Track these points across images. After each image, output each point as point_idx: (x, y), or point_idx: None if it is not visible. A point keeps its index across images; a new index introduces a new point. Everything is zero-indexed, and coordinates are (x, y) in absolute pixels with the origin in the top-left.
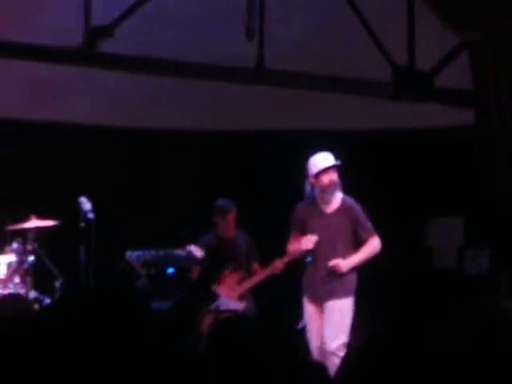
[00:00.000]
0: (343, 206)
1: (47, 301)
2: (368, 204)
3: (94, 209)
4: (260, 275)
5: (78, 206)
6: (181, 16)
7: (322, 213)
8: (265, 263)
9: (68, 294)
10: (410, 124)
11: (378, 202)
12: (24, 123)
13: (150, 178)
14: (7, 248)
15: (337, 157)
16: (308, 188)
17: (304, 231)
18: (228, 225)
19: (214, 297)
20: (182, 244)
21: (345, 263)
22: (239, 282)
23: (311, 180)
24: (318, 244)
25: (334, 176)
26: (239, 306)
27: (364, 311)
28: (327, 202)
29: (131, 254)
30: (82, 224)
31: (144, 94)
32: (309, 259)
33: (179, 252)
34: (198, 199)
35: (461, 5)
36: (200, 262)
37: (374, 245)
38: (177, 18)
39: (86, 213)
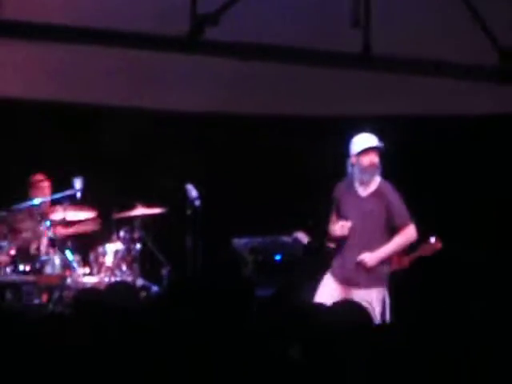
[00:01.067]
0: (379, 190)
1: (154, 288)
2: (470, 189)
3: (201, 196)
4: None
5: (184, 194)
6: (286, 1)
7: (356, 195)
8: None
9: (175, 283)
10: None
11: (479, 188)
12: (130, 111)
13: (256, 165)
14: (114, 236)
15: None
16: (349, 167)
17: (338, 211)
18: None
19: None
20: (289, 231)
21: (372, 257)
22: None
23: (352, 159)
24: (351, 228)
25: (374, 158)
26: None
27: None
28: (364, 185)
29: (238, 241)
30: (189, 211)
31: (246, 80)
32: (342, 245)
33: (286, 239)
34: (305, 186)
35: None
36: (306, 248)
37: (408, 233)
38: (281, 3)
39: (192, 200)
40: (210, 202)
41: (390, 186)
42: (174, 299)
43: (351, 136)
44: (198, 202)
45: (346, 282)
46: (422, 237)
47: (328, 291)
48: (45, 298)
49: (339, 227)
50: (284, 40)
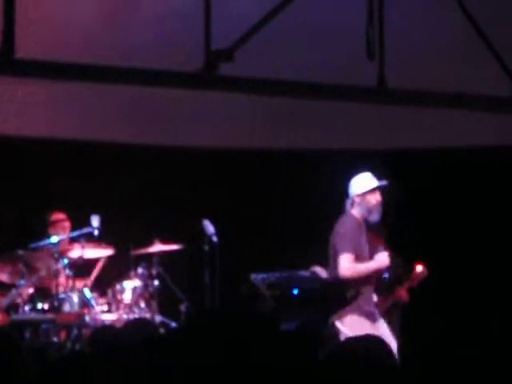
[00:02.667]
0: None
1: (173, 325)
2: (489, 220)
3: (218, 232)
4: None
5: (201, 230)
6: (301, 36)
7: (366, 233)
8: None
9: (193, 317)
10: None
11: (490, 217)
12: (146, 148)
13: (272, 200)
14: (132, 273)
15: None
16: (348, 206)
17: (359, 250)
18: None
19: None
20: (306, 266)
21: None
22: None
23: (355, 199)
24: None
25: (379, 198)
26: None
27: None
28: (370, 222)
29: (256, 277)
30: (206, 247)
31: (262, 115)
32: (386, 275)
33: (303, 273)
34: (318, 221)
35: None
36: (324, 282)
37: None
38: (297, 38)
39: (209, 236)
40: (227, 238)
41: None
42: (192, 334)
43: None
44: (215, 238)
45: (375, 318)
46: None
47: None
48: (63, 336)
49: (382, 258)
50: (298, 75)
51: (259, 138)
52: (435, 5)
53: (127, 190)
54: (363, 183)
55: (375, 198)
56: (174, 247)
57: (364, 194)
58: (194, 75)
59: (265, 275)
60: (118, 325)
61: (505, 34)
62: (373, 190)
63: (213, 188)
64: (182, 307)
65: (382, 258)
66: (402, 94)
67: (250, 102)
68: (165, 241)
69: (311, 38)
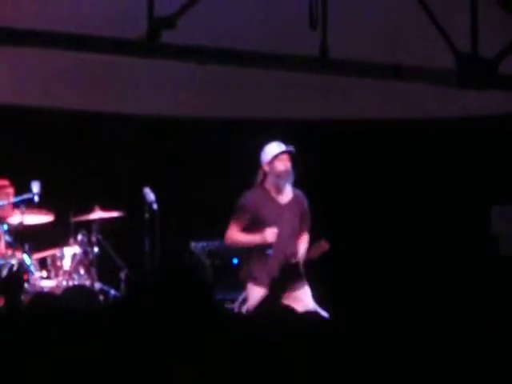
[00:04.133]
0: (296, 198)
1: (112, 292)
2: (432, 193)
3: (158, 199)
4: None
5: (142, 197)
6: (244, 5)
7: (275, 203)
8: None
9: (133, 288)
10: (473, 111)
11: (441, 191)
12: (87, 115)
13: (214, 169)
14: (72, 240)
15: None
16: (260, 176)
17: (254, 222)
18: None
19: None
20: None
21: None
22: None
23: (265, 167)
24: (280, 235)
25: (288, 163)
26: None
27: (431, 299)
28: (281, 192)
29: (196, 245)
30: (147, 215)
31: (206, 84)
32: (270, 252)
33: None
34: None
35: None
36: None
37: (307, 241)
38: (240, 6)
39: (150, 204)
40: (168, 206)
41: (302, 194)
42: (132, 304)
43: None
44: (155, 206)
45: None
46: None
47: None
48: (1, 301)
49: (268, 233)
50: (242, 43)
51: (201, 106)
52: None
53: (68, 157)
54: (270, 150)
55: (283, 164)
56: (114, 214)
57: (272, 161)
58: (137, 43)
59: (205, 243)
60: (58, 291)
61: (448, 7)
62: (279, 156)
63: (154, 156)
64: (122, 274)
65: (267, 234)
66: (344, 64)
67: (192, 70)
68: (105, 208)
69: (254, 7)
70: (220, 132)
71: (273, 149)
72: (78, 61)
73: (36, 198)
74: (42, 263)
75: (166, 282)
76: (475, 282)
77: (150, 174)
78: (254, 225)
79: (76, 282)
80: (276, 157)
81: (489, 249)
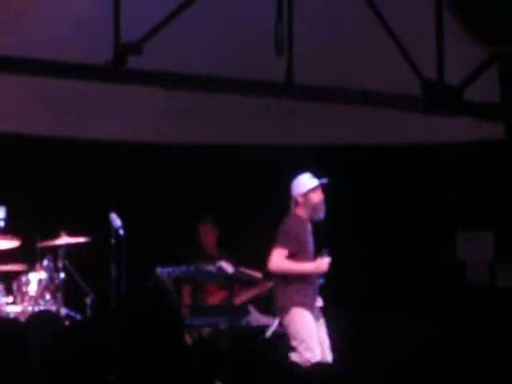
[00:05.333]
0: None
1: (78, 317)
2: (398, 218)
3: (125, 225)
4: (253, 291)
5: (108, 223)
6: (210, 31)
7: (309, 231)
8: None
9: (99, 311)
10: (439, 138)
11: (407, 217)
12: (54, 141)
13: (180, 195)
14: (38, 265)
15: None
16: (292, 207)
17: (298, 249)
18: (211, 239)
19: (245, 312)
20: (212, 260)
21: None
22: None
23: (299, 199)
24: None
25: (322, 196)
26: (270, 321)
27: (399, 325)
28: (316, 220)
29: (162, 271)
30: (113, 240)
31: (174, 110)
32: (322, 281)
33: (210, 268)
34: (228, 216)
35: (490, 18)
36: (231, 277)
37: None
38: (206, 33)
39: (116, 229)
40: (134, 232)
41: None
42: (98, 327)
43: (281, 165)
44: (121, 232)
45: (316, 314)
46: None
47: (313, 331)
48: None
49: (320, 263)
50: (208, 69)
51: (167, 131)
52: (345, 2)
53: (34, 182)
54: (304, 183)
55: (318, 196)
56: (81, 240)
57: (307, 193)
58: (103, 68)
59: (171, 269)
60: (23, 317)
61: (415, 33)
62: (315, 189)
63: (120, 181)
64: (88, 300)
65: (321, 264)
66: (309, 89)
67: (159, 96)
68: (71, 233)
69: (220, 33)
70: (186, 157)
71: (307, 181)
72: (43, 86)
73: (1, 224)
74: (8, 288)
75: (132, 307)
76: (442, 305)
77: (116, 199)
78: (298, 252)
79: (42, 308)
80: (311, 190)
81: (455, 274)
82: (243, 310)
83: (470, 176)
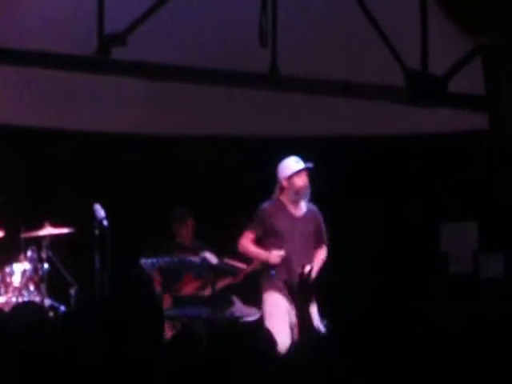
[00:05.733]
0: (310, 211)
1: (62, 308)
2: (382, 208)
3: (108, 216)
4: (228, 280)
5: (92, 214)
6: (194, 22)
7: (291, 216)
8: None
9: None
10: (423, 129)
11: (391, 208)
12: (37, 131)
13: (164, 185)
14: (22, 256)
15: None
16: (277, 190)
17: (269, 232)
18: (187, 232)
19: (229, 303)
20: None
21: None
22: (200, 287)
23: (283, 182)
24: (289, 246)
25: (306, 179)
26: (254, 312)
27: (381, 316)
28: (297, 206)
29: (146, 261)
30: (97, 231)
31: (157, 101)
32: (273, 272)
33: (194, 259)
34: (211, 206)
35: (474, 9)
36: (215, 267)
37: (325, 253)
38: (190, 24)
39: (100, 220)
40: (118, 222)
41: (316, 208)
42: (82, 322)
43: (262, 155)
44: (105, 222)
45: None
46: None
47: (284, 313)
48: None
49: (273, 256)
50: (191, 60)
51: (151, 122)
52: None
53: (18, 172)
54: (289, 166)
55: (302, 180)
56: (65, 230)
57: (291, 177)
58: (87, 58)
59: (154, 259)
60: (7, 308)
61: (398, 23)
62: (299, 173)
63: (104, 172)
64: (72, 291)
65: (273, 255)
66: (294, 81)
67: (142, 87)
68: (55, 224)
69: (204, 24)
70: (169, 148)
71: (292, 165)
72: (28, 76)
73: None
74: None
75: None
76: (425, 297)
77: (100, 190)
78: (268, 235)
79: (26, 299)
80: (295, 173)
81: (438, 265)
82: (227, 301)
83: (454, 166)
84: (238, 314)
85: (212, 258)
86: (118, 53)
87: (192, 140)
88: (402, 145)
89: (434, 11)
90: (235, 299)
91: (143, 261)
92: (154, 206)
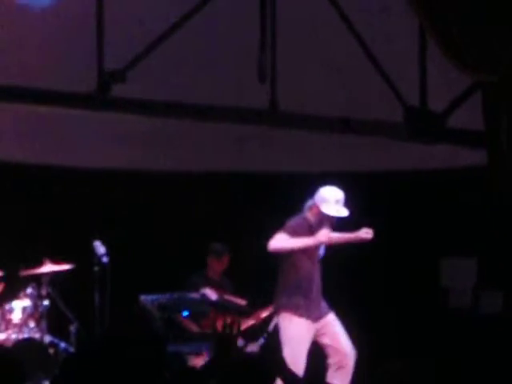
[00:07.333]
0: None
1: (62, 345)
2: (382, 244)
3: (108, 253)
4: (251, 320)
5: (92, 250)
6: (194, 58)
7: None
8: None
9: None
10: (422, 165)
11: (391, 243)
12: (38, 168)
13: (164, 222)
14: (22, 293)
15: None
16: (307, 209)
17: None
18: (221, 267)
19: None
20: (187, 285)
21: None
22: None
23: (315, 209)
24: (313, 265)
25: (334, 222)
26: (253, 348)
27: (381, 349)
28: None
29: (145, 298)
30: (97, 268)
31: (157, 137)
32: (322, 253)
33: (193, 295)
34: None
35: (473, 46)
36: (215, 304)
37: None
38: (190, 60)
39: (100, 257)
40: (118, 259)
41: None
42: (84, 359)
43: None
44: (105, 259)
45: (316, 316)
46: None
47: (306, 336)
48: None
49: (324, 234)
50: (191, 97)
51: (150, 158)
52: (328, 30)
53: (17, 210)
54: (329, 203)
55: (331, 222)
56: (65, 267)
57: (322, 211)
58: (87, 96)
59: (154, 297)
60: (8, 345)
61: (398, 61)
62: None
63: (103, 209)
64: (72, 328)
65: (321, 234)
66: (294, 117)
67: (141, 123)
68: (55, 261)
69: (204, 60)
70: (169, 184)
71: (331, 203)
72: (26, 113)
73: None
74: None
75: (117, 339)
76: (426, 333)
77: (100, 227)
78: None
79: (26, 335)
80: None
81: (439, 301)
82: None
83: (454, 202)
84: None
85: (212, 295)
86: (117, 90)
87: (190, 176)
88: (401, 181)
89: (433, 48)
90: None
91: (143, 297)
92: (154, 243)
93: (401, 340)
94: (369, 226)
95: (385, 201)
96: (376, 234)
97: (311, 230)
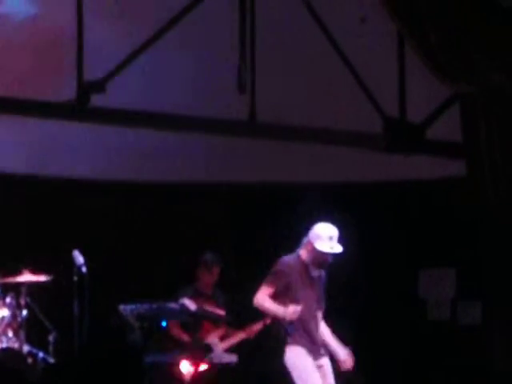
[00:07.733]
0: (321, 275)
1: (41, 355)
2: (360, 255)
3: (87, 263)
4: (242, 334)
5: (70, 260)
6: (173, 69)
7: (309, 275)
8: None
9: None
10: (400, 176)
11: (369, 254)
12: (17, 178)
13: (143, 232)
14: (0, 302)
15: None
16: (303, 246)
17: (286, 287)
18: (212, 279)
19: (209, 349)
20: (176, 297)
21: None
22: (223, 337)
23: (310, 246)
24: (307, 305)
25: (330, 260)
26: (232, 358)
27: (361, 362)
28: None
29: (124, 308)
30: (75, 278)
31: (137, 148)
32: (291, 329)
33: (173, 305)
34: (191, 253)
35: (452, 57)
36: (194, 314)
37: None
38: (169, 71)
39: (79, 267)
40: (97, 269)
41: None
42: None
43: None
44: (84, 269)
45: (316, 355)
46: None
47: (313, 370)
48: None
49: (290, 311)
50: (170, 107)
51: (131, 169)
52: (308, 42)
53: None
54: (323, 239)
55: (326, 260)
56: (43, 277)
57: (317, 248)
58: (66, 106)
59: (133, 306)
60: None
61: (377, 72)
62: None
63: (82, 218)
64: (51, 337)
65: (290, 311)
66: (273, 128)
67: (123, 134)
68: (34, 271)
69: (183, 71)
70: (149, 196)
71: (326, 240)
72: (8, 123)
73: None
74: None
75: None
76: (404, 344)
77: (78, 236)
78: (285, 291)
79: (4, 345)
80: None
81: (417, 312)
82: (206, 348)
83: (432, 213)
84: (216, 360)
85: (191, 305)
86: (96, 100)
87: (171, 187)
88: (380, 192)
89: (412, 60)
90: (215, 347)
91: (122, 307)
92: (133, 253)
93: (381, 351)
94: (347, 237)
95: (362, 212)
96: (354, 244)
97: (305, 268)
